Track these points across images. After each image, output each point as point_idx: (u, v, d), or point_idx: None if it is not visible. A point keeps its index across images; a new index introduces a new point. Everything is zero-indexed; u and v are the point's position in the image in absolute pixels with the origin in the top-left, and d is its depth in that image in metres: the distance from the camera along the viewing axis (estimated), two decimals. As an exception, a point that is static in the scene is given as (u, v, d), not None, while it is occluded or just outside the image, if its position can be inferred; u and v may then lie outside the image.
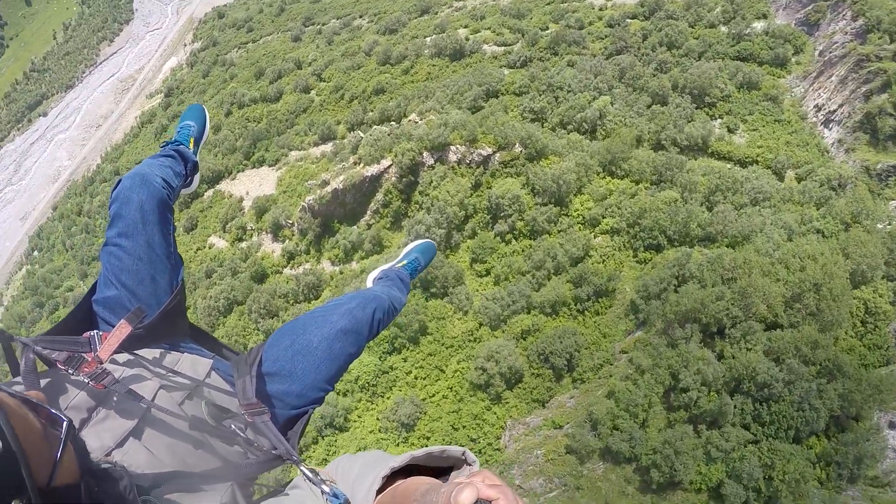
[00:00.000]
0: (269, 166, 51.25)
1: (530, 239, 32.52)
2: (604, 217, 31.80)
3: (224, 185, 52.72)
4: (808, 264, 23.46)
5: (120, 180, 2.85)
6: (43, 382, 1.96)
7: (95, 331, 2.17)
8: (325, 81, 58.14)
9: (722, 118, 37.51)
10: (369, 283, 3.94)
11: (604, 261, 30.71)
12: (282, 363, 2.60)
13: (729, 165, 34.21)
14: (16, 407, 1.16)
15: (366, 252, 36.70)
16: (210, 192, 53.48)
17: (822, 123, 34.38)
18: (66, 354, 2.01)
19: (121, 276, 2.62)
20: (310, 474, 1.79)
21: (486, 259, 32.77)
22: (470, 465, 1.48)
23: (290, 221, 41.24)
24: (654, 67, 42.13)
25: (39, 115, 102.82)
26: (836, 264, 23.47)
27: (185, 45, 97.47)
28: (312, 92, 57.77)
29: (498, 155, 34.77)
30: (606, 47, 46.67)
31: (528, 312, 29.44)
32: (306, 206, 39.70)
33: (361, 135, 43.57)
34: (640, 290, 27.27)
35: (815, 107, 34.94)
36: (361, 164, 37.87)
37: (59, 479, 1.22)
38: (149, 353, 2.35)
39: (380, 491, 1.48)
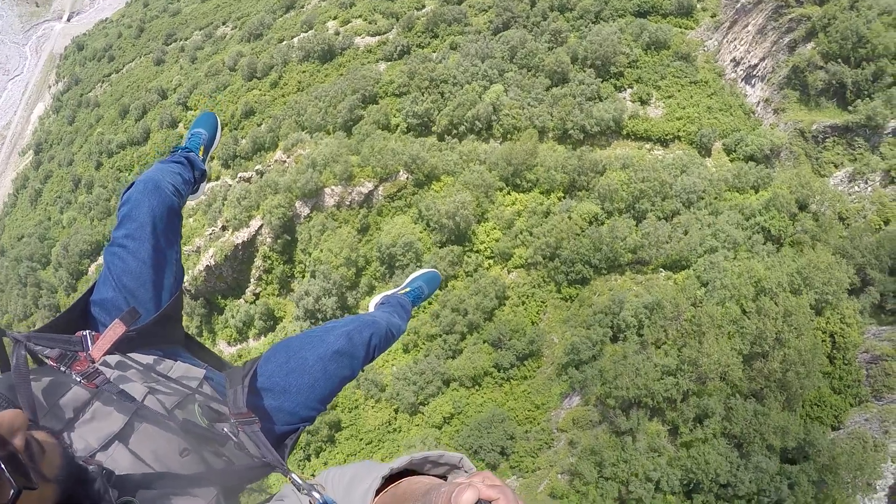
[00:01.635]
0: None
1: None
2: (515, 248, 26.82)
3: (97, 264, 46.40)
4: (766, 304, 18.55)
5: (132, 183, 2.86)
6: (33, 378, 1.93)
7: (88, 331, 2.14)
8: (191, 110, 51.57)
9: (632, 87, 32.48)
10: (371, 308, 3.95)
11: (523, 303, 25.75)
12: (276, 379, 2.57)
13: (648, 146, 29.21)
14: None
15: (259, 329, 31.45)
16: (92, 268, 47.55)
17: (742, 80, 29.62)
18: (59, 352, 1.99)
19: (122, 278, 2.62)
20: (299, 481, 1.76)
21: (387, 323, 27.41)
22: (467, 472, 1.45)
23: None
24: (548, 39, 36.68)
25: None
26: (798, 307, 18.63)
27: (50, 87, 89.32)
28: (180, 125, 51.20)
29: (381, 188, 29.46)
30: (492, 21, 40.94)
31: (448, 386, 24.34)
32: (183, 290, 33.61)
33: (230, 182, 37.56)
34: (570, 353, 22.25)
35: (732, 61, 30.01)
36: (231, 231, 32.09)
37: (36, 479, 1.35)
38: (142, 358, 2.32)
39: (378, 492, 1.43)
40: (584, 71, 33.19)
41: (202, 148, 3.69)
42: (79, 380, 1.94)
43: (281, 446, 2.47)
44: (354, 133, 35.34)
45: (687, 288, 21.54)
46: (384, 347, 3.10)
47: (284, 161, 34.80)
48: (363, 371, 27.24)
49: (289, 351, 2.65)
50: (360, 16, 49.66)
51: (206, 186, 2.89)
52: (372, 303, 4.04)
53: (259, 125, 43.35)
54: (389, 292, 4.07)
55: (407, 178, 29.20)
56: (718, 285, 20.44)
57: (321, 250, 28.68)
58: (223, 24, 64.72)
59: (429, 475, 1.40)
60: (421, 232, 27.84)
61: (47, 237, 56.92)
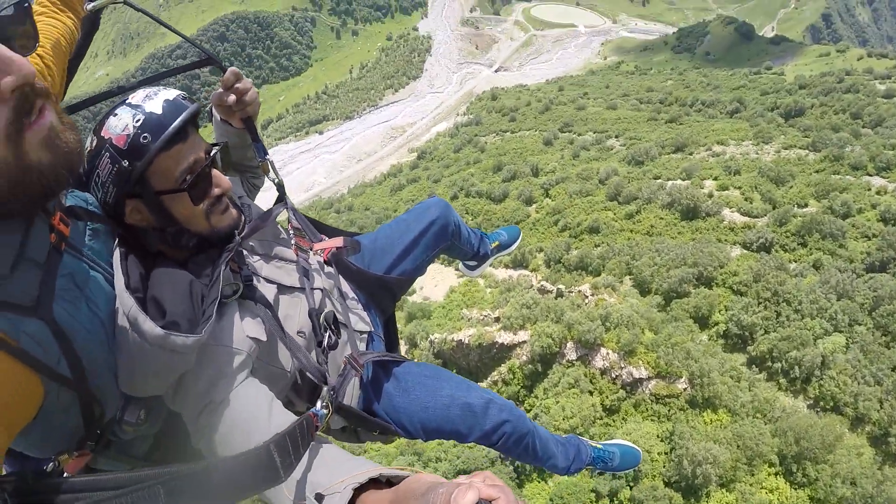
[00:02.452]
0: (456, 268, 48.70)
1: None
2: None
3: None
4: None
5: (433, 196, 4.69)
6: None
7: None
8: (549, 198, 55.10)
9: None
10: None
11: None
12: (408, 378, 2.67)
13: None
14: None
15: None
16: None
17: None
18: (300, 226, 2.52)
19: (379, 236, 3.09)
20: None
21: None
22: None
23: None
24: None
25: (316, 132, 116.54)
26: None
27: (457, 115, 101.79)
28: (533, 206, 55.03)
29: (653, 383, 28.19)
30: (869, 253, 36.46)
31: None
32: (432, 340, 36.68)
33: (534, 282, 39.35)
34: None
35: None
36: (499, 326, 33.59)
37: None
38: (346, 287, 2.67)
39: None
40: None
41: (497, 243, 4.25)
42: (293, 245, 2.35)
43: (361, 416, 2.43)
44: (670, 308, 34.58)
45: None
46: (514, 451, 2.92)
47: (587, 296, 35.39)
48: (470, 448, 25.83)
49: (437, 373, 2.75)
50: (739, 187, 48.15)
51: (481, 271, 4.41)
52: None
53: (596, 246, 44.42)
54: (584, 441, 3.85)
55: (684, 390, 27.63)
56: None
57: (556, 401, 28.34)
58: (615, 137, 68.25)
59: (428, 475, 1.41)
60: (656, 457, 26.01)
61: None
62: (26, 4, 1.35)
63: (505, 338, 32.63)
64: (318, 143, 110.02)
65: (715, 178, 50.51)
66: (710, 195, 47.62)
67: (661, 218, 46.79)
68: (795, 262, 38.28)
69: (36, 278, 1.48)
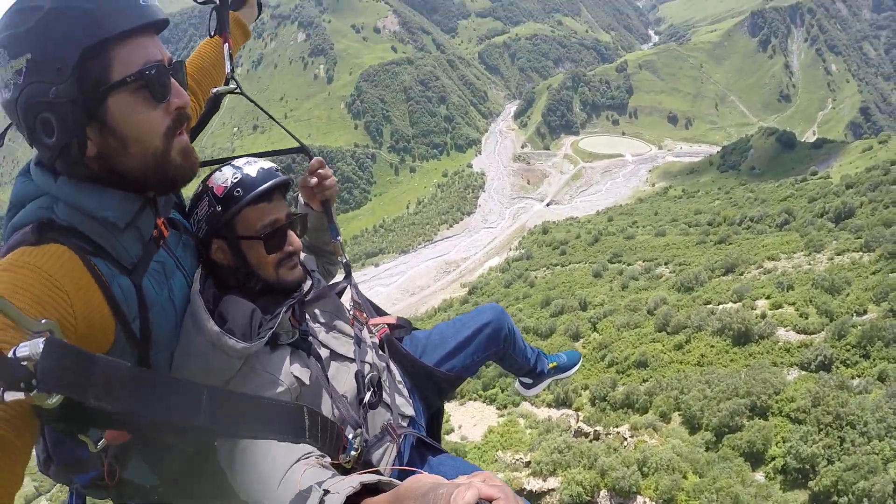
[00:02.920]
0: (497, 407, 47.95)
1: None
2: None
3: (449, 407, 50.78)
4: None
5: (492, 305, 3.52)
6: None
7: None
8: (597, 332, 54.39)
9: None
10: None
11: None
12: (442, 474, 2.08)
13: None
14: None
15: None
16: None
17: None
18: (361, 304, 2.76)
19: (434, 331, 3.31)
20: None
21: None
22: None
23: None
24: None
25: (372, 265, 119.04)
26: None
27: (510, 250, 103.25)
28: (580, 341, 54.25)
29: None
30: None
31: None
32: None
33: (573, 422, 37.99)
34: None
35: None
36: (528, 472, 32.24)
37: None
38: (396, 370, 2.86)
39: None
40: None
41: (555, 364, 4.30)
42: (351, 317, 2.56)
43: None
44: (721, 444, 32.73)
45: None
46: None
47: (626, 438, 33.85)
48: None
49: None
50: (793, 303, 45.95)
51: (537, 391, 4.77)
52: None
53: (644, 381, 43.09)
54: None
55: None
56: None
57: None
58: (665, 264, 67.86)
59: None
60: None
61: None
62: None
63: (534, 484, 31.02)
64: (373, 275, 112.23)
65: (767, 297, 48.97)
66: (763, 315, 45.81)
67: (712, 346, 45.19)
68: (858, 376, 35.41)
69: (138, 249, 1.87)
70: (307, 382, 2.16)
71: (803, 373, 37.65)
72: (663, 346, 47.79)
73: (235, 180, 2.16)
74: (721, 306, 50.20)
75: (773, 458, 31.74)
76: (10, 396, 1.05)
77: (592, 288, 66.59)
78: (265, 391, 2.03)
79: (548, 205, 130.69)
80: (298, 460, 1.80)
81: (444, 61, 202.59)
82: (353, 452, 2.03)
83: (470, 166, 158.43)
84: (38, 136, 1.64)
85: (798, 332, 42.59)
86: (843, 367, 36.95)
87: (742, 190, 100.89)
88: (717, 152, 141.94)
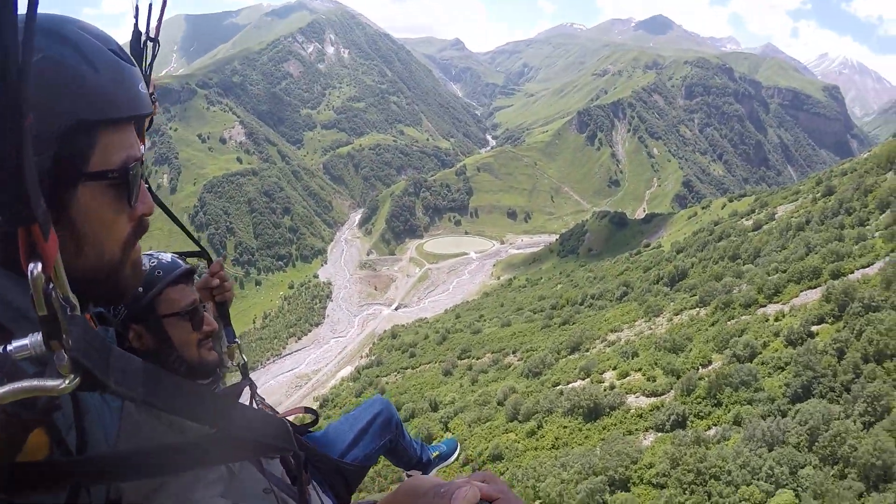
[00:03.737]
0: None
1: None
2: None
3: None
4: None
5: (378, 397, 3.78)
6: None
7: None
8: (449, 431, 50.97)
9: None
10: None
11: None
12: None
13: None
14: None
15: None
16: None
17: None
18: None
19: (329, 430, 3.36)
20: None
21: None
22: None
23: None
24: (862, 411, 27.99)
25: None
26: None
27: (361, 358, 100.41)
28: (433, 442, 50.32)
29: None
30: (788, 384, 33.71)
31: None
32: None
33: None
34: None
35: None
36: None
37: None
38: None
39: None
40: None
41: (437, 454, 4.41)
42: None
43: None
44: (585, 531, 29.83)
45: None
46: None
47: None
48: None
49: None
50: (639, 369, 46.05)
51: None
52: None
53: (501, 474, 40.05)
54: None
55: None
56: None
57: None
58: (513, 352, 66.47)
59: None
60: None
61: None
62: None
63: None
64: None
65: (614, 368, 48.69)
66: (612, 387, 45.31)
67: (565, 426, 43.41)
68: (714, 425, 35.28)
69: None
70: (235, 473, 2.07)
71: (660, 434, 36.64)
72: (516, 435, 45.25)
73: (153, 264, 2.27)
74: (570, 385, 48.96)
75: (647, 531, 29.33)
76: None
77: (443, 387, 63.73)
78: (203, 477, 1.95)
79: (396, 309, 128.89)
80: None
81: (288, 172, 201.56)
82: None
83: (316, 276, 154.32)
84: None
85: (648, 396, 42.04)
86: (697, 421, 36.35)
87: (582, 271, 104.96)
88: (556, 240, 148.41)
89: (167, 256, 2.32)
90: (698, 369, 41.20)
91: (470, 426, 49.27)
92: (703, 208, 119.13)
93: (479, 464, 43.19)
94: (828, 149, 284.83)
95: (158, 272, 2.21)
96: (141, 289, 2.11)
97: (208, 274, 2.71)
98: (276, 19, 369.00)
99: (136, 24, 2.80)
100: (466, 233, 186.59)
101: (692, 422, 36.46)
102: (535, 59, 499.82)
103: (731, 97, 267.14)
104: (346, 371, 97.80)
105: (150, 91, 2.45)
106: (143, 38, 2.79)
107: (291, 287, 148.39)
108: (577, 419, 43.27)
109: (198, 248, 2.84)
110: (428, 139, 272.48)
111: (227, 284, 2.70)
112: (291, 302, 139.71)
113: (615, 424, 40.77)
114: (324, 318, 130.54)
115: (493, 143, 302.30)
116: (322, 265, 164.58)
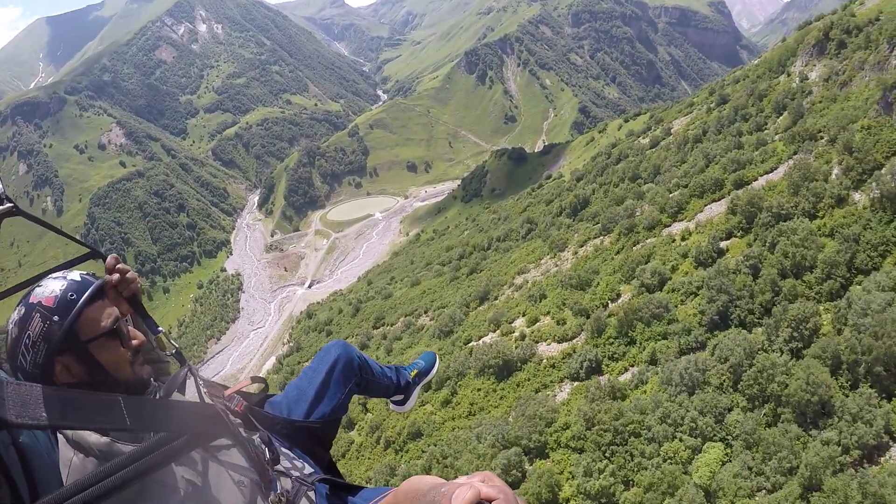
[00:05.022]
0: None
1: None
2: None
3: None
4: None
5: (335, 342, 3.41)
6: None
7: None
8: (369, 412, 48.77)
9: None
10: None
11: None
12: None
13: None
14: None
15: None
16: None
17: None
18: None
19: (291, 389, 3.14)
20: None
21: None
22: None
23: None
24: (788, 338, 25.98)
25: None
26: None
27: (283, 345, 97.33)
28: (354, 430, 48.32)
29: None
30: (703, 311, 31.69)
31: None
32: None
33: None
34: None
35: None
36: None
37: None
38: (281, 445, 2.60)
39: None
40: (859, 393, 21.61)
41: (416, 371, 4.32)
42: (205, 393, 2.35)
43: None
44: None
45: None
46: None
47: None
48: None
49: None
50: (548, 312, 44.37)
51: (412, 404, 3.77)
52: None
53: (423, 452, 38.19)
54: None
55: None
56: None
57: None
58: (425, 312, 64.67)
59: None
60: None
61: None
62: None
63: None
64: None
65: (523, 314, 47.21)
66: (523, 336, 43.80)
67: (479, 389, 41.93)
68: (631, 366, 34.12)
69: None
70: (199, 484, 1.96)
71: (576, 384, 35.36)
72: (432, 406, 43.51)
73: (63, 287, 2.05)
74: (481, 340, 47.25)
75: (568, 501, 27.74)
76: None
77: (361, 362, 61.06)
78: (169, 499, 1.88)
79: (309, 287, 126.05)
80: None
81: (176, 166, 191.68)
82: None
83: (224, 270, 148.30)
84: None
85: (559, 342, 40.53)
86: (612, 363, 35.18)
87: (486, 213, 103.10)
88: (459, 185, 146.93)
89: (77, 273, 2.12)
90: (607, 305, 39.98)
91: (387, 404, 47.20)
92: (599, 132, 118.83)
93: (399, 445, 41.50)
94: (719, 61, 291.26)
95: (72, 294, 1.98)
96: (56, 317, 1.92)
97: (106, 273, 2.37)
98: (142, 4, 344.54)
99: None
100: (368, 194, 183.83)
101: (607, 365, 35.26)
102: (419, 6, 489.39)
103: (619, 20, 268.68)
104: (271, 362, 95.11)
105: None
106: None
107: (200, 287, 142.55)
108: (489, 380, 41.63)
109: (87, 250, 2.59)
110: (317, 104, 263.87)
111: (130, 276, 2.39)
112: (203, 302, 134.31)
113: (528, 379, 39.33)
114: (239, 311, 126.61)
115: (384, 97, 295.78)
116: (228, 257, 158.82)
